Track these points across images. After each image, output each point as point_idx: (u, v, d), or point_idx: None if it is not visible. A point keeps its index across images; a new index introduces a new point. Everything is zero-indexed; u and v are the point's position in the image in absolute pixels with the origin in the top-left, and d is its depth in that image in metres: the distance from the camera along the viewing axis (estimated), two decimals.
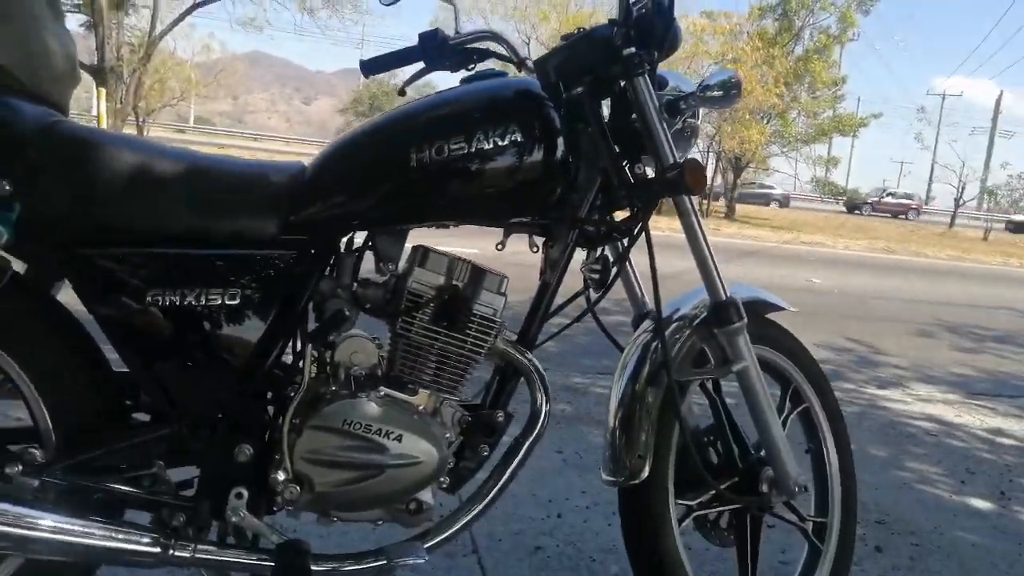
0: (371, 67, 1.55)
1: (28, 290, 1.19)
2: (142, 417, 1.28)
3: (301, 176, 1.24)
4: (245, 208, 1.20)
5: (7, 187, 1.07)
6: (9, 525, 1.08)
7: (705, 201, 18.86)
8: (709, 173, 19.02)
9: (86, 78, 16.62)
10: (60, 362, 1.20)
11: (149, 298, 1.15)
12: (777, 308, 1.60)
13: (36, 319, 1.20)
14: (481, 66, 1.55)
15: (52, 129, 1.12)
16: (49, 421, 1.19)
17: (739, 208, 21.57)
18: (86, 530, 1.13)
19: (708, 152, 19.85)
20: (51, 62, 1.19)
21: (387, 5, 1.58)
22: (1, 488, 1.11)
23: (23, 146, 1.08)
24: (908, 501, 2.41)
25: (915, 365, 4.57)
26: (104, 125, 13.55)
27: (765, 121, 19.87)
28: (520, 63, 1.48)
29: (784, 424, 1.56)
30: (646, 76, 1.28)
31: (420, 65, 1.52)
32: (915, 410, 3.52)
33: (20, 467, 1.13)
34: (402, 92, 1.68)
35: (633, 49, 1.26)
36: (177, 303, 1.16)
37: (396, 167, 1.21)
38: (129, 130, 17.78)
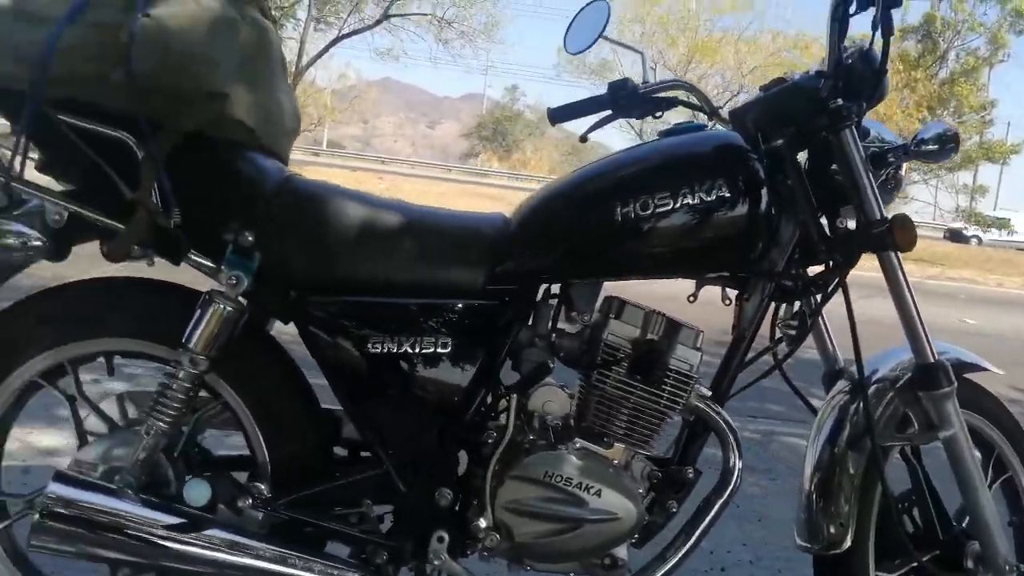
0: (559, 116, 1.58)
1: (253, 329, 1.29)
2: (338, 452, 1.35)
3: (506, 228, 1.28)
4: (458, 260, 1.25)
5: (250, 239, 1.16)
6: (236, 554, 1.16)
7: None
8: None
9: None
10: (277, 398, 1.28)
11: (369, 344, 1.21)
12: (979, 368, 1.50)
13: (258, 356, 1.28)
14: (671, 116, 1.56)
15: (288, 184, 1.20)
16: (265, 452, 1.28)
17: None
18: (297, 564, 1.19)
19: None
20: (283, 119, 1.29)
21: (574, 54, 1.62)
22: (232, 519, 1.20)
23: (266, 201, 1.18)
24: None
25: None
26: None
27: None
28: (712, 113, 1.47)
29: None
30: (853, 128, 1.24)
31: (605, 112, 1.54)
32: None
33: (250, 500, 1.21)
34: (584, 139, 1.71)
35: (841, 101, 1.23)
36: (394, 350, 1.21)
37: (600, 222, 1.23)
38: None
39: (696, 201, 1.21)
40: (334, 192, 1.23)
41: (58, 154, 1.15)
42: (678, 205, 1.21)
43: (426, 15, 14.86)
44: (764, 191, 1.24)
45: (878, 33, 1.18)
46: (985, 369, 1.51)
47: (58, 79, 1.07)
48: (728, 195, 1.22)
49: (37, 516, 1.09)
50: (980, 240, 29.05)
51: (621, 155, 1.33)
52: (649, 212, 1.21)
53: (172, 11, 1.09)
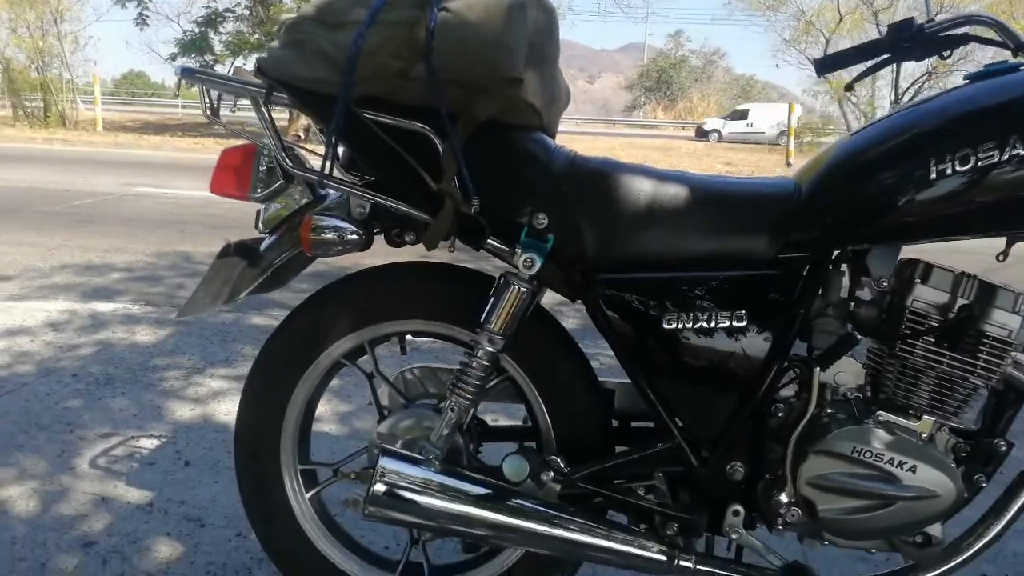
0: (827, 64, 1.47)
1: (540, 312, 1.31)
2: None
3: (797, 194, 1.21)
4: (749, 229, 1.20)
5: (544, 220, 1.18)
6: (545, 525, 1.21)
7: None
8: None
9: None
10: (560, 371, 1.31)
11: (662, 320, 1.20)
12: None
13: (540, 332, 1.31)
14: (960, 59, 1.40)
15: (575, 164, 1.20)
16: (550, 424, 1.31)
17: None
18: (600, 533, 1.22)
19: None
20: (560, 100, 1.29)
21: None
22: (535, 491, 1.24)
23: (557, 182, 1.18)
24: None
25: None
26: None
27: None
28: (1019, 48, 1.31)
29: None
30: None
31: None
32: None
33: (552, 473, 1.25)
34: (850, 88, 1.59)
35: None
36: (688, 325, 1.20)
37: (911, 180, 1.13)
38: None
39: None
40: (618, 168, 1.22)
41: (363, 149, 1.21)
42: (1005, 157, 1.09)
43: None
44: None
45: None
46: None
47: (363, 79, 1.13)
48: None
49: (375, 487, 1.18)
50: (720, 135, 28.56)
51: (925, 106, 1.21)
52: (970, 166, 1.10)
53: (468, 2, 1.11)
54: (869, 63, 1.46)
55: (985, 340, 1.16)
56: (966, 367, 1.16)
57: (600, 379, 1.35)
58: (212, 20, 18.45)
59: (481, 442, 1.44)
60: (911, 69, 16.70)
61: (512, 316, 1.20)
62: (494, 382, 1.33)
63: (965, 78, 1.24)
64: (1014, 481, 1.24)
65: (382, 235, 1.28)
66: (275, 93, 1.19)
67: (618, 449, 1.34)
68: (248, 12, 18.31)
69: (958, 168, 1.10)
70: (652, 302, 1.21)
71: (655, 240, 1.20)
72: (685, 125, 36.96)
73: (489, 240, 1.20)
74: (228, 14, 18.55)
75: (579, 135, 24.30)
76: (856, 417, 1.18)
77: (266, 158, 1.28)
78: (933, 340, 1.17)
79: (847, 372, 1.21)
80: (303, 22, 1.17)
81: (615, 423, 1.39)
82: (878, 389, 1.23)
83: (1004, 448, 1.22)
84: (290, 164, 1.24)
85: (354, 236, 1.23)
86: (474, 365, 1.23)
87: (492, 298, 1.21)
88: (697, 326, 1.20)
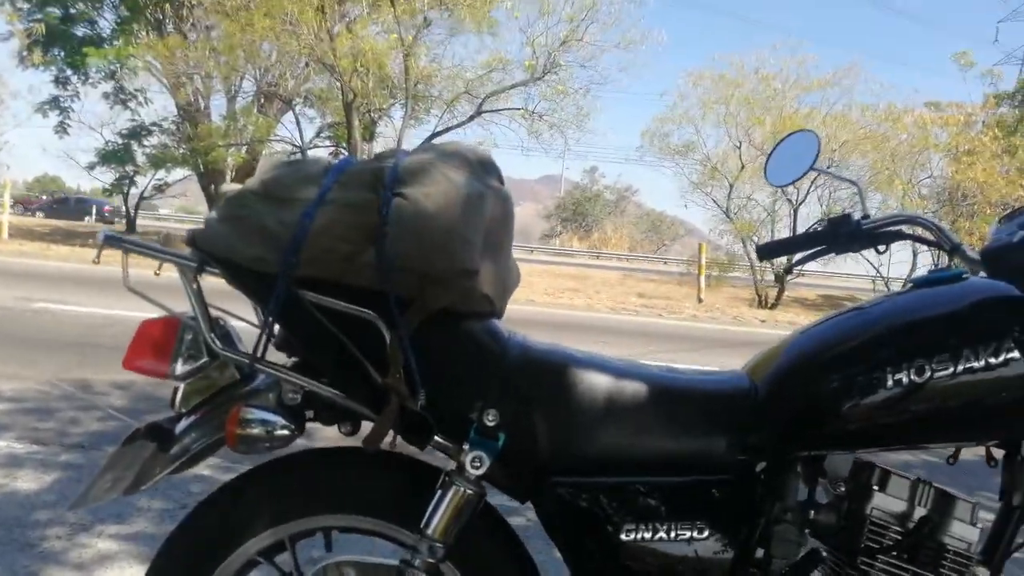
0: (768, 252, 1.50)
1: (488, 512, 1.21)
2: None
3: (753, 393, 1.18)
4: (708, 431, 1.15)
5: (495, 418, 1.10)
6: None
7: None
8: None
9: None
10: None
11: (619, 530, 1.11)
12: None
13: (486, 537, 1.20)
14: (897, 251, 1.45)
15: (529, 355, 1.15)
16: None
17: None
18: None
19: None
20: (511, 284, 1.25)
21: (777, 186, 1.55)
22: None
23: (510, 378, 1.12)
24: None
25: None
26: None
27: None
28: (952, 249, 1.35)
29: None
30: None
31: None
32: None
33: None
34: (789, 271, 1.62)
35: None
36: (648, 536, 1.11)
37: (867, 390, 1.11)
38: None
39: (981, 364, 1.09)
40: (571, 360, 1.17)
41: (302, 333, 1.12)
42: (960, 368, 1.09)
43: (517, 109, 15.27)
44: None
45: None
46: None
47: (308, 260, 1.06)
48: (1017, 355, 1.09)
49: None
50: None
51: (876, 311, 1.22)
52: (926, 377, 1.09)
53: (426, 190, 1.06)
54: (807, 252, 1.50)
55: (946, 554, 1.12)
56: None
57: None
58: (137, 132, 18.32)
59: None
60: (806, 214, 17.94)
61: (454, 520, 1.10)
62: None
63: (910, 282, 1.27)
64: None
65: (316, 421, 1.17)
66: (207, 267, 1.11)
67: None
68: (175, 127, 18.29)
69: (915, 379, 1.09)
70: (609, 509, 1.13)
71: (613, 441, 1.13)
72: (600, 254, 38.26)
73: (438, 437, 1.11)
74: (154, 128, 18.48)
75: None
76: None
77: (189, 334, 1.17)
78: (891, 552, 1.13)
79: None
80: (246, 195, 1.10)
81: None
82: None
83: None
84: (218, 344, 1.14)
85: (284, 431, 1.12)
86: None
87: (436, 499, 1.10)
88: (656, 536, 1.12)
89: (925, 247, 1.41)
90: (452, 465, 1.12)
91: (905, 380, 1.10)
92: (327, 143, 18.13)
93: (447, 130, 15.19)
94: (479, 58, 15.34)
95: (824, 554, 1.15)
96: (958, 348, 1.09)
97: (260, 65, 15.90)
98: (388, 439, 1.11)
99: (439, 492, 1.11)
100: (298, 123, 17.63)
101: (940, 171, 18.74)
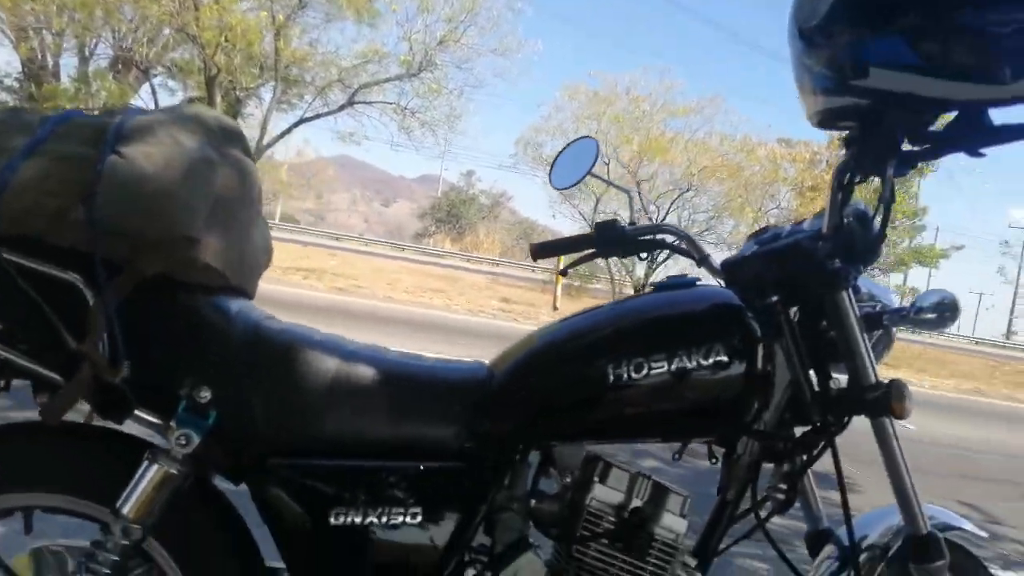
0: (542, 252, 1.53)
1: (201, 487, 1.16)
2: None
3: (488, 382, 1.20)
4: (437, 418, 1.15)
5: (206, 395, 1.05)
6: None
7: None
8: None
9: None
10: (216, 564, 1.15)
11: (331, 514, 1.09)
12: (960, 529, 1.45)
13: (198, 517, 1.15)
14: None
15: (256, 333, 1.11)
16: None
17: None
18: None
19: None
20: (256, 258, 1.20)
21: (559, 189, 1.59)
22: None
23: (228, 354, 1.07)
24: None
25: None
26: None
27: None
28: (702, 261, 1.43)
29: None
30: (849, 290, 1.21)
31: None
32: None
33: None
34: (563, 273, 1.66)
35: (839, 263, 1.19)
36: (359, 520, 1.10)
37: (592, 385, 1.15)
38: None
39: (693, 364, 1.15)
40: (305, 341, 1.14)
41: None
42: (674, 368, 1.14)
43: (389, 103, 15.04)
44: (760, 352, 1.19)
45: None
46: (965, 530, 1.46)
47: (11, 213, 0.97)
48: (725, 358, 1.16)
49: None
50: None
51: (611, 310, 1.26)
52: (643, 374, 1.14)
53: (148, 150, 1.00)
54: (579, 254, 1.55)
55: (654, 543, 1.17)
56: (635, 570, 1.17)
57: (273, 565, 1.20)
58: None
59: None
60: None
61: (155, 501, 1.04)
62: (138, 571, 1.14)
63: (650, 285, 1.32)
64: None
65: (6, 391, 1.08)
66: None
67: None
68: (18, 85, 16.82)
69: (633, 376, 1.14)
70: (325, 493, 1.10)
71: (336, 423, 1.11)
72: (470, 258, 38.43)
73: (141, 412, 1.04)
74: None
75: (368, 256, 24.42)
76: None
77: None
78: (606, 541, 1.16)
79: (527, 571, 1.17)
80: None
81: None
82: None
83: None
84: None
85: None
86: (100, 559, 1.03)
87: (135, 478, 1.04)
88: (373, 521, 1.11)
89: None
90: (159, 441, 1.06)
91: (624, 377, 1.14)
92: None
93: (316, 116, 14.77)
94: (355, 47, 14.95)
95: (520, 532, 1.17)
96: (674, 349, 1.15)
97: (118, 28, 14.89)
98: (85, 418, 1.04)
99: (140, 470, 1.04)
100: (154, 93, 16.58)
101: (787, 203, 20.13)
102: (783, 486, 1.31)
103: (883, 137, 1.11)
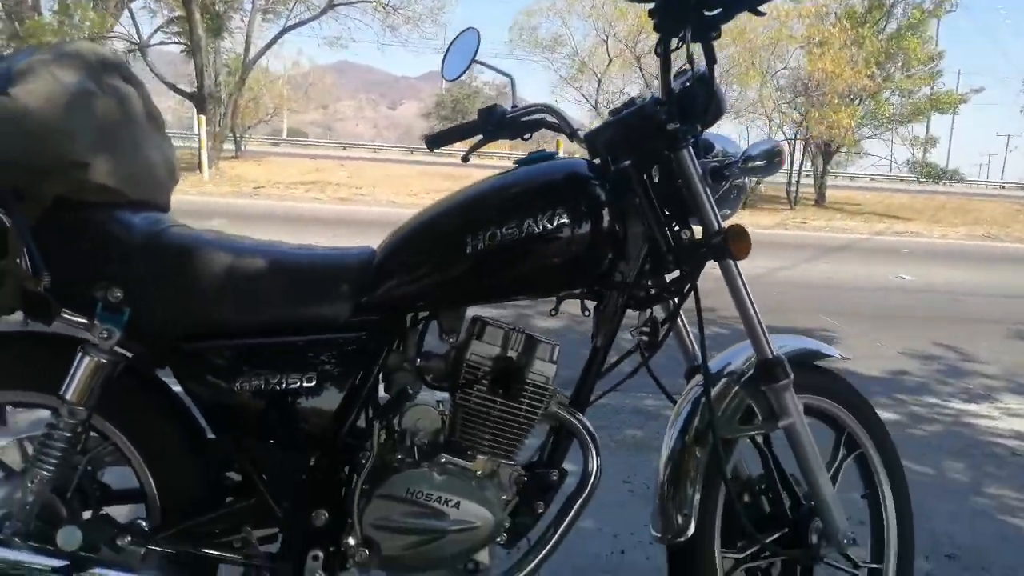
0: (435, 141, 1.68)
1: (136, 372, 1.37)
2: (234, 477, 1.44)
3: (370, 263, 1.37)
4: (322, 296, 1.34)
5: (118, 294, 1.25)
6: None
7: (793, 189, 18.34)
8: (797, 159, 18.59)
9: (187, 103, 17.55)
10: (161, 433, 1.38)
11: (239, 384, 1.31)
12: (826, 356, 1.64)
13: (140, 396, 1.38)
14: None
15: (156, 239, 1.29)
16: (154, 485, 1.37)
17: (832, 193, 20.72)
18: None
19: (795, 139, 19.20)
20: (153, 173, 1.37)
21: (450, 80, 1.71)
22: (112, 556, 1.30)
23: (131, 257, 1.26)
24: (986, 533, 2.36)
25: (1008, 373, 4.39)
26: (204, 149, 14.30)
27: (856, 103, 19.06)
28: (572, 135, 1.56)
29: (838, 470, 1.61)
30: (689, 148, 1.35)
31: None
32: (1003, 427, 3.40)
33: (129, 537, 1.31)
34: (465, 159, 1.79)
35: (677, 125, 1.33)
36: (263, 387, 1.31)
37: (453, 255, 1.33)
38: (228, 147, 18.66)
39: (540, 229, 1.30)
40: (203, 242, 1.32)
41: None
42: (523, 235, 1.30)
43: (371, 2, 14.72)
44: (606, 212, 1.34)
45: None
46: (832, 356, 1.64)
47: None
48: (567, 221, 1.31)
49: None
50: None
51: (477, 187, 1.41)
52: (497, 242, 1.30)
53: (29, 87, 1.17)
54: (472, 140, 1.70)
55: (527, 386, 1.37)
56: (512, 410, 1.37)
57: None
58: None
59: (101, 507, 1.45)
60: None
61: (93, 387, 1.26)
62: (101, 446, 1.37)
63: (514, 162, 1.47)
64: (559, 509, 1.45)
65: None
66: None
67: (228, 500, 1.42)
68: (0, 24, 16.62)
69: (489, 244, 1.30)
70: (234, 367, 1.31)
71: (230, 310, 1.30)
72: (480, 153, 37.96)
73: (66, 314, 1.25)
74: None
75: (379, 163, 24.30)
76: (417, 462, 1.35)
77: None
78: (485, 388, 1.36)
79: (425, 419, 1.38)
80: None
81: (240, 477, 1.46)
82: (451, 435, 1.40)
83: (556, 477, 1.44)
84: None
85: None
86: (55, 436, 1.26)
87: (72, 368, 1.26)
88: (273, 387, 1.31)
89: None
90: (87, 336, 1.27)
91: (480, 246, 1.31)
92: (172, 40, 16.94)
93: (300, 24, 14.52)
94: None
95: (411, 388, 1.38)
96: (523, 217, 1.31)
97: None
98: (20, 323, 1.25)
99: (75, 361, 1.26)
100: (133, 18, 16.34)
101: (796, 61, 19.53)
102: (646, 329, 1.50)
103: (676, 4, 1.24)
